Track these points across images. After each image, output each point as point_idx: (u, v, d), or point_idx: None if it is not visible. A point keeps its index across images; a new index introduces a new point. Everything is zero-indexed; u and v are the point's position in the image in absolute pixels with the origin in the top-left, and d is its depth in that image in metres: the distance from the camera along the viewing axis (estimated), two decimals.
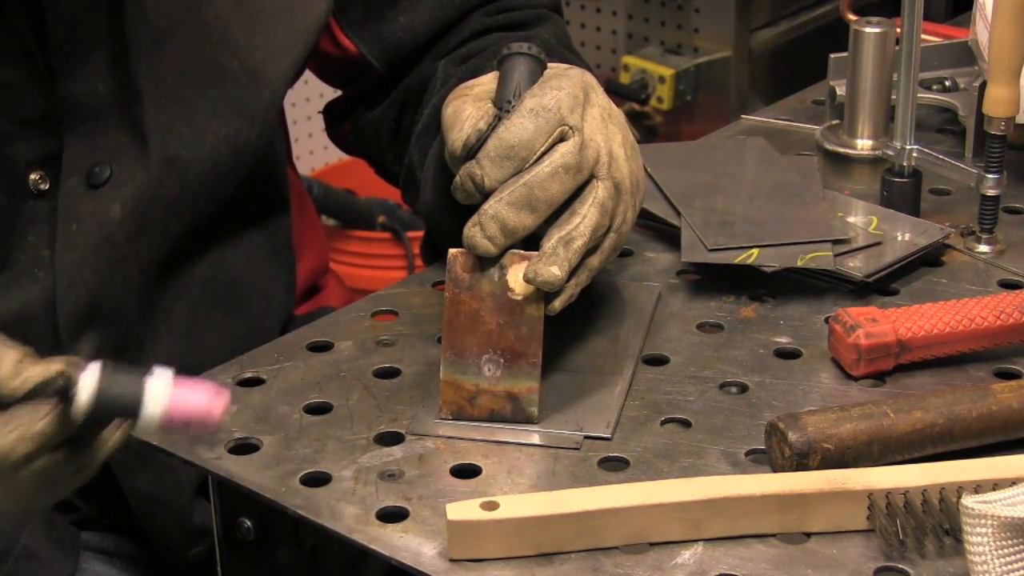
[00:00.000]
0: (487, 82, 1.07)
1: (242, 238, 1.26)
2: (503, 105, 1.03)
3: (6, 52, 1.10)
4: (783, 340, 1.12)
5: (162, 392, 0.87)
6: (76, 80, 1.13)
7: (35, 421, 0.87)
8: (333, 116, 1.41)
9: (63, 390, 0.86)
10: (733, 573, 0.89)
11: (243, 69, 1.20)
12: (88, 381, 0.86)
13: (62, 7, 1.11)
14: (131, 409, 0.87)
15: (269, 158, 1.25)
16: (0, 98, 1.11)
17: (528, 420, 1.02)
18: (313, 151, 3.00)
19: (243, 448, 1.01)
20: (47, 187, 1.14)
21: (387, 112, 1.33)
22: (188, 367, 1.22)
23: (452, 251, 1.01)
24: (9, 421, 0.87)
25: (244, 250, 1.27)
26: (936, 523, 0.90)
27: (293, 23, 1.23)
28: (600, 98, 1.05)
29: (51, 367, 0.87)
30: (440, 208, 1.14)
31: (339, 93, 1.40)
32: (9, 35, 1.10)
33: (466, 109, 1.03)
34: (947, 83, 1.45)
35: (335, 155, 2.85)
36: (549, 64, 1.07)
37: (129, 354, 1.20)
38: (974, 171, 1.23)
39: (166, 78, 1.17)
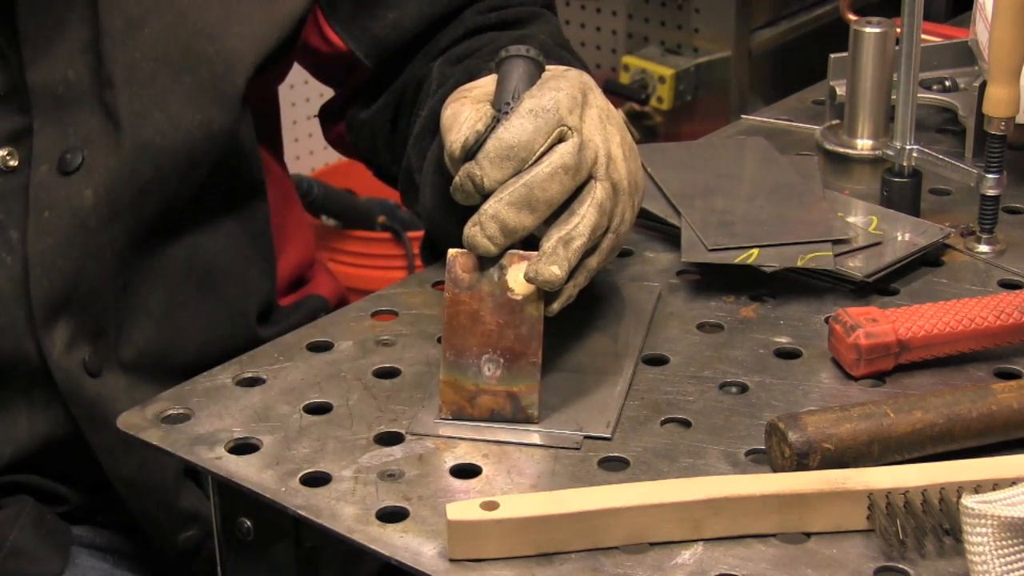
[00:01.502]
0: (486, 84, 1.07)
1: (216, 223, 1.27)
2: (501, 107, 1.03)
3: None
4: (783, 340, 1.12)
5: None
6: (45, 67, 1.14)
7: None
8: (328, 117, 1.41)
9: None
10: (733, 573, 0.89)
11: (219, 56, 1.20)
12: None
13: None
14: None
15: (238, 144, 1.25)
16: None
17: (528, 420, 1.02)
18: (313, 151, 3.00)
19: (243, 448, 1.01)
20: (16, 163, 1.15)
21: (382, 112, 1.33)
22: (166, 350, 1.23)
23: (452, 251, 1.01)
24: None
25: (219, 235, 1.27)
26: (936, 523, 0.90)
27: (271, 10, 1.23)
28: (598, 99, 1.05)
29: None
30: (439, 210, 1.14)
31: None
32: None
33: (464, 111, 1.03)
34: (947, 83, 1.45)
35: (335, 155, 2.83)
36: (547, 66, 1.07)
37: (106, 338, 1.20)
38: (974, 171, 1.23)
39: (140, 64, 1.18)
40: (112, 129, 1.16)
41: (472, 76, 1.13)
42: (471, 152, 1.02)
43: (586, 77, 1.06)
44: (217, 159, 1.22)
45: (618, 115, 1.07)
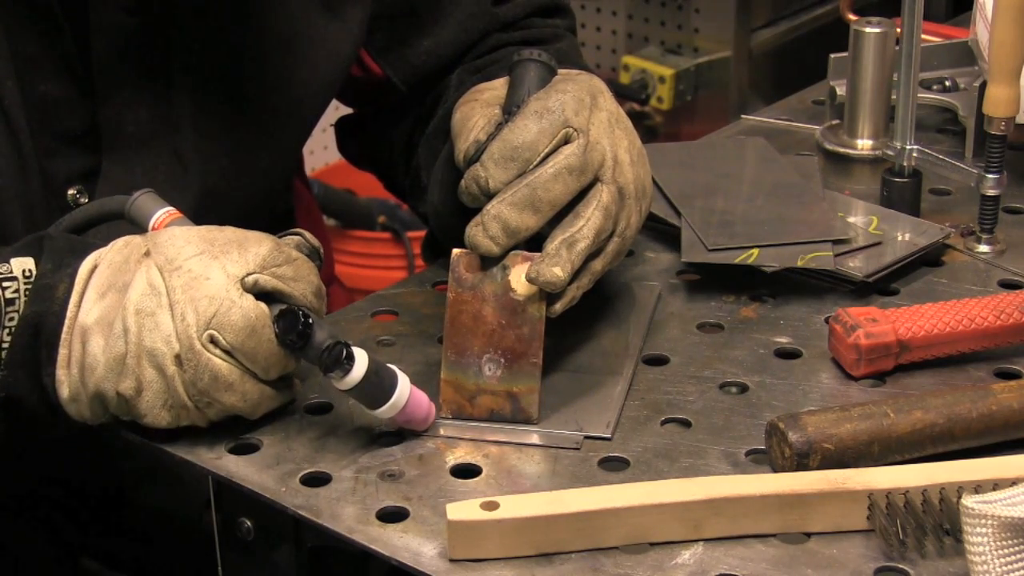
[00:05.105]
0: (498, 87, 1.07)
1: None
2: (511, 110, 1.03)
3: (52, 68, 1.11)
4: (783, 340, 1.12)
5: (405, 393, 0.99)
6: (117, 104, 1.14)
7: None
8: (346, 131, 1.41)
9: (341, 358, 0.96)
10: (733, 573, 0.89)
11: (286, 104, 1.21)
12: (361, 360, 0.97)
13: (106, 30, 1.11)
14: (380, 398, 0.98)
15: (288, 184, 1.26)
16: (43, 112, 1.11)
17: (528, 420, 1.02)
18: (313, 151, 2.99)
19: (243, 448, 1.01)
20: (85, 201, 1.14)
21: (402, 126, 1.33)
22: None
23: (456, 251, 1.01)
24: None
25: None
26: (936, 523, 0.90)
27: (332, 56, 1.23)
28: (608, 103, 1.05)
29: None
30: (447, 206, 1.14)
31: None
32: (56, 52, 1.11)
33: (473, 117, 1.04)
34: (947, 83, 1.45)
35: (335, 155, 2.83)
36: (559, 70, 1.07)
37: None
38: (974, 171, 1.23)
39: (210, 109, 1.17)
40: (179, 173, 1.16)
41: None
42: (474, 159, 1.02)
43: (597, 81, 1.07)
44: (273, 206, 1.23)
45: (629, 120, 1.07)
